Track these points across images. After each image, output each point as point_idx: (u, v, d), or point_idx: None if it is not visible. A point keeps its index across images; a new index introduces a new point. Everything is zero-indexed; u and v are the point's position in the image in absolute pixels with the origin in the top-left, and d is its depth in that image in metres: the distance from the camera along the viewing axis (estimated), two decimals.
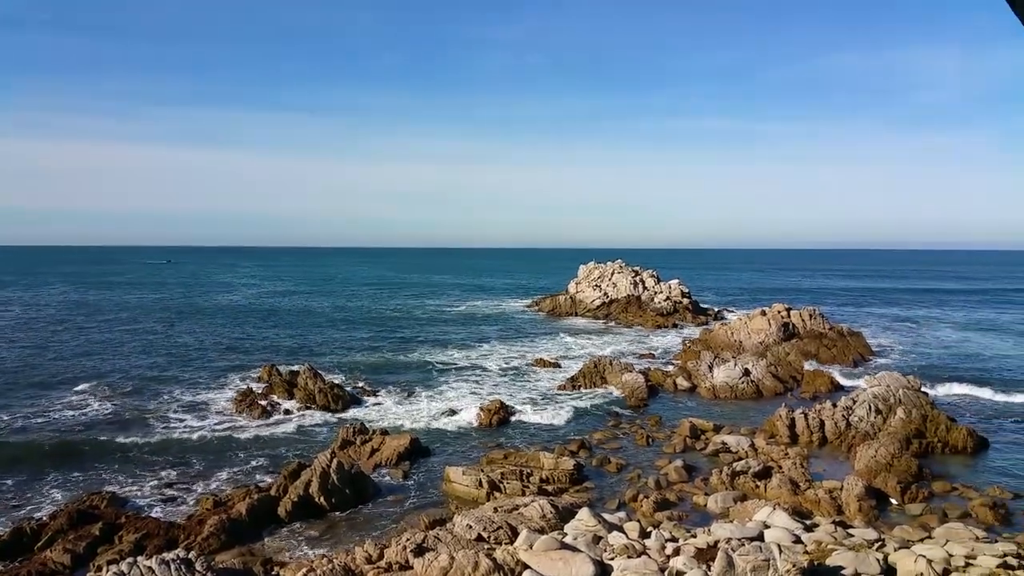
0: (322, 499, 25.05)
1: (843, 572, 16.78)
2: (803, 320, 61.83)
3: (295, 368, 46.15)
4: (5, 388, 44.42)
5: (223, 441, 33.94)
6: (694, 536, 20.10)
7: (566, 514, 22.22)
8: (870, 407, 34.37)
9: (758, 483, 26.77)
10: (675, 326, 78.93)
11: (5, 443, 32.89)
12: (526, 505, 22.75)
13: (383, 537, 22.05)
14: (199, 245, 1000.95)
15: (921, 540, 20.83)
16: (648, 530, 20.50)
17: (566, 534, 19.46)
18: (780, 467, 28.37)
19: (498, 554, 18.02)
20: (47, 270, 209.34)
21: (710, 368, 46.86)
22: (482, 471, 27.70)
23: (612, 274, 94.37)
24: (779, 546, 17.30)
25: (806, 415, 34.41)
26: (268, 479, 28.21)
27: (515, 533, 20.14)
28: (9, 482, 28.11)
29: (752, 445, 32.02)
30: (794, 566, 15.78)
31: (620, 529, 20.27)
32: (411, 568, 18.20)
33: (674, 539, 19.73)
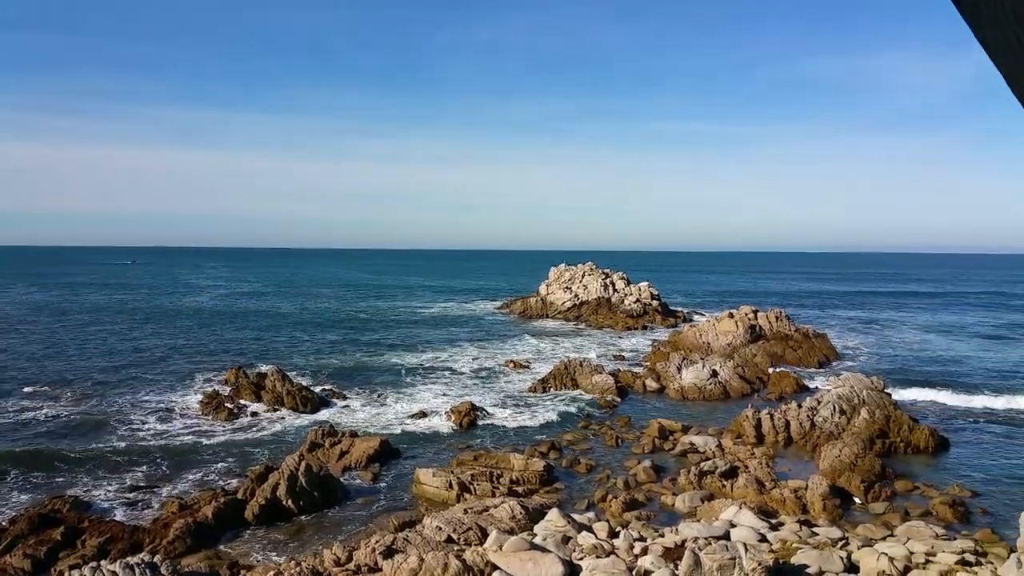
0: (290, 502, 24.84)
1: (808, 570, 17.07)
2: (770, 322, 62.66)
3: (263, 370, 45.70)
4: None
5: (189, 444, 33.50)
6: (662, 536, 20.30)
7: (536, 515, 22.30)
8: (834, 408, 34.94)
9: (725, 483, 27.09)
10: (645, 328, 79.50)
11: None
12: (496, 506, 22.79)
13: (352, 540, 21.95)
14: (164, 245, 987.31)
15: (883, 538, 21.25)
16: (617, 530, 20.65)
17: (536, 535, 19.54)
18: (746, 467, 28.73)
19: (468, 555, 18.04)
20: (6, 271, 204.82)
21: (679, 369, 47.29)
22: (452, 473, 27.68)
23: (583, 276, 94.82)
24: (745, 545, 17.54)
25: (772, 416, 34.88)
26: (235, 482, 27.91)
27: (485, 534, 20.16)
28: None
29: (719, 445, 32.39)
30: (759, 564, 16.01)
31: (589, 529, 20.40)
32: (380, 570, 18.15)
33: (642, 539, 19.91)
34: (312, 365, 53.84)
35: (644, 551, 18.49)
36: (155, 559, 17.65)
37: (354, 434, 33.73)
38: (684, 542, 18.75)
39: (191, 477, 29.11)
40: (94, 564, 17.17)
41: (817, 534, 21.17)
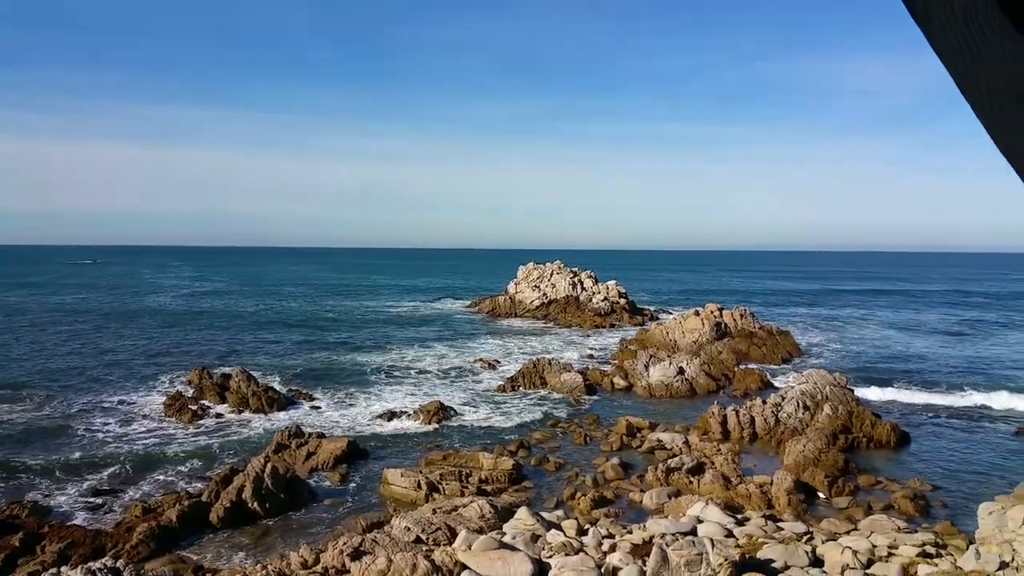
0: (256, 504, 24.56)
1: (773, 564, 17.29)
2: (735, 320, 63.41)
3: (227, 371, 45.09)
4: None
5: (152, 446, 32.95)
6: (630, 532, 20.45)
7: (505, 514, 22.32)
8: (798, 404, 35.47)
9: (692, 479, 27.36)
10: (612, 326, 79.98)
11: None
12: (465, 506, 22.76)
13: (319, 542, 21.76)
14: (127, 244, 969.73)
15: (847, 532, 21.63)
16: (585, 527, 20.76)
17: (504, 533, 19.56)
18: (713, 463, 29.06)
19: (436, 555, 17.99)
20: None
21: (646, 367, 47.65)
22: (421, 472, 27.59)
23: (551, 275, 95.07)
24: (712, 540, 17.71)
25: (737, 412, 35.31)
26: (199, 485, 27.50)
27: (454, 534, 20.13)
28: None
29: (686, 442, 32.70)
30: (726, 560, 16.19)
31: (558, 527, 20.48)
32: (348, 572, 18.02)
33: (611, 536, 20.03)
34: (278, 365, 53.26)
35: (612, 548, 18.60)
36: (118, 564, 17.33)
37: (321, 435, 33.46)
38: (652, 538, 18.90)
39: (154, 480, 28.63)
40: (54, 570, 16.82)
41: (782, 529, 21.48)
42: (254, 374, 44.25)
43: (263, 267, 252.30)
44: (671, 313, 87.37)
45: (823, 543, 19.40)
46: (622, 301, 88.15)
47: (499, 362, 55.51)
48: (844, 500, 26.20)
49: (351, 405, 41.87)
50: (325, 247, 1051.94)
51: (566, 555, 17.93)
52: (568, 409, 41.07)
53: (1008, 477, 28.54)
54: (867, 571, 17.49)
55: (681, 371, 46.81)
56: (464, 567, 17.46)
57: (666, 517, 22.60)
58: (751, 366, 51.65)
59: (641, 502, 25.89)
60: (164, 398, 40.76)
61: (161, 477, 28.99)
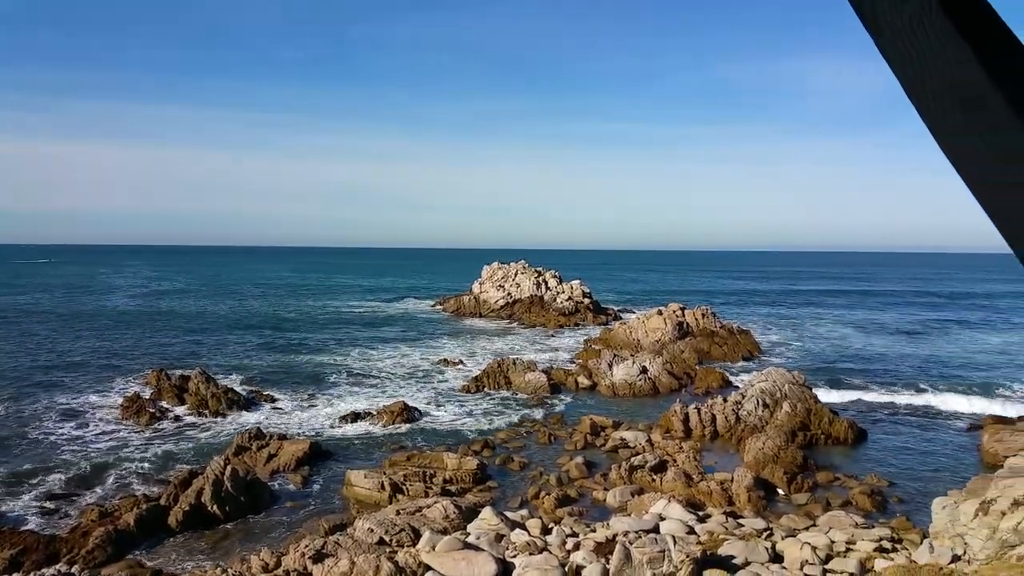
0: (215, 507, 24.18)
1: (734, 561, 17.52)
2: (696, 319, 64.11)
3: (186, 372, 44.35)
4: None
5: (109, 449, 32.25)
6: (593, 531, 20.57)
7: (469, 514, 22.30)
8: (758, 401, 35.98)
9: (654, 477, 27.60)
10: (577, 326, 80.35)
11: None
12: (429, 506, 22.69)
13: (281, 544, 21.51)
14: (84, 243, 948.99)
15: (806, 528, 22.04)
16: (550, 526, 20.83)
17: (469, 534, 19.54)
18: (675, 461, 29.35)
19: (400, 557, 17.91)
20: None
21: (610, 366, 47.96)
22: (384, 473, 27.43)
23: (515, 274, 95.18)
24: (674, 537, 17.89)
25: (699, 410, 35.71)
26: (157, 488, 27.00)
27: (417, 535, 20.05)
28: None
29: (649, 440, 32.98)
30: (688, 556, 16.36)
31: (522, 527, 20.51)
32: (310, 575, 17.85)
33: (574, 534, 20.12)
34: (238, 366, 52.50)
35: (576, 546, 18.70)
36: (73, 569, 16.95)
37: (282, 437, 33.08)
38: (615, 536, 19.03)
39: (111, 484, 28.01)
40: None
41: (743, 525, 21.79)
42: (214, 375, 43.57)
43: (224, 267, 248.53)
44: (634, 313, 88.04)
45: (783, 539, 19.72)
46: (586, 301, 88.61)
47: (463, 362, 55.41)
48: (803, 496, 26.65)
49: (313, 406, 41.45)
50: (288, 246, 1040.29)
51: (530, 554, 17.97)
52: (532, 409, 41.16)
53: (960, 472, 29.30)
54: (825, 566, 17.83)
55: (644, 370, 47.20)
56: (428, 568, 17.40)
57: (629, 515, 22.78)
58: (712, 365, 52.29)
59: (605, 500, 26.05)
60: (121, 400, 39.90)
61: (118, 481, 28.37)
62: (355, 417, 38.31)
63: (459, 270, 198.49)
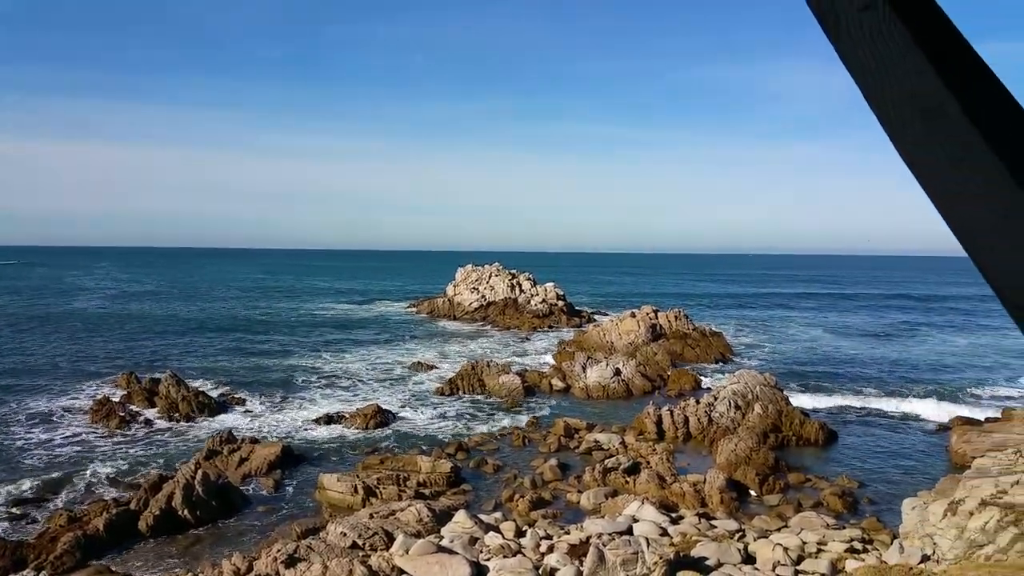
0: (186, 512, 23.88)
1: (707, 562, 17.65)
2: (669, 321, 64.53)
3: (156, 375, 43.75)
4: None
5: (78, 453, 31.72)
6: (567, 533, 20.61)
7: (443, 517, 22.24)
8: (730, 403, 36.30)
9: (628, 479, 27.72)
10: (551, 328, 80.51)
11: None
12: (402, 510, 22.60)
13: (253, 549, 21.29)
14: (52, 245, 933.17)
15: (778, 529, 22.26)
16: (523, 529, 20.84)
17: (443, 537, 19.49)
18: (648, 463, 29.51)
19: (373, 561, 17.81)
20: None
21: (583, 369, 48.10)
22: (357, 477, 27.25)
23: (490, 277, 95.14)
24: (647, 539, 17.99)
25: (672, 412, 35.94)
26: (127, 492, 26.60)
27: (391, 538, 19.96)
28: None
29: (623, 442, 33.13)
30: (661, 558, 16.46)
31: (496, 529, 20.50)
32: None
33: (548, 537, 20.15)
34: (209, 369, 51.89)
35: (550, 549, 18.73)
36: (41, 575, 16.65)
37: (254, 440, 32.76)
38: (589, 539, 19.09)
39: (80, 489, 27.54)
40: None
41: (715, 527, 21.96)
42: (184, 378, 43.02)
43: (195, 268, 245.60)
44: (608, 315, 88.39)
45: (755, 540, 19.92)
46: (560, 303, 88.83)
47: (437, 364, 55.27)
48: (775, 498, 26.91)
49: (285, 409, 41.09)
50: (259, 248, 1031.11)
51: (504, 557, 17.97)
52: (507, 412, 41.16)
53: (930, 473, 29.77)
54: (797, 567, 18.03)
55: (617, 372, 47.41)
56: (402, 572, 17.33)
57: (603, 517, 22.86)
58: (685, 367, 52.66)
59: (578, 503, 26.11)
60: (91, 404, 39.24)
61: (87, 485, 27.90)
62: (328, 420, 38.04)
63: (433, 272, 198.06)
